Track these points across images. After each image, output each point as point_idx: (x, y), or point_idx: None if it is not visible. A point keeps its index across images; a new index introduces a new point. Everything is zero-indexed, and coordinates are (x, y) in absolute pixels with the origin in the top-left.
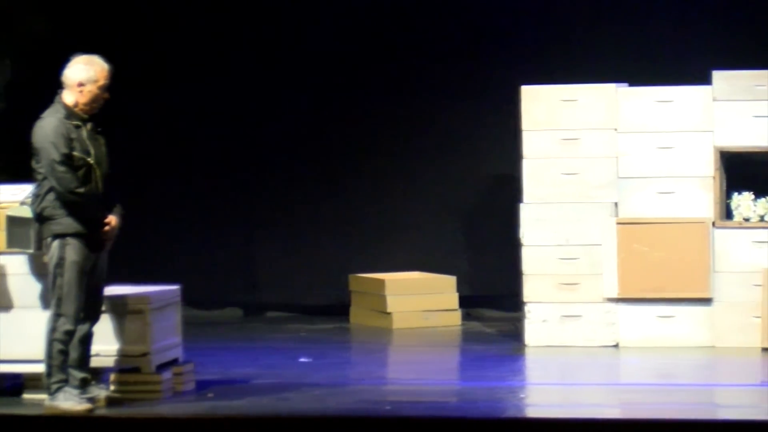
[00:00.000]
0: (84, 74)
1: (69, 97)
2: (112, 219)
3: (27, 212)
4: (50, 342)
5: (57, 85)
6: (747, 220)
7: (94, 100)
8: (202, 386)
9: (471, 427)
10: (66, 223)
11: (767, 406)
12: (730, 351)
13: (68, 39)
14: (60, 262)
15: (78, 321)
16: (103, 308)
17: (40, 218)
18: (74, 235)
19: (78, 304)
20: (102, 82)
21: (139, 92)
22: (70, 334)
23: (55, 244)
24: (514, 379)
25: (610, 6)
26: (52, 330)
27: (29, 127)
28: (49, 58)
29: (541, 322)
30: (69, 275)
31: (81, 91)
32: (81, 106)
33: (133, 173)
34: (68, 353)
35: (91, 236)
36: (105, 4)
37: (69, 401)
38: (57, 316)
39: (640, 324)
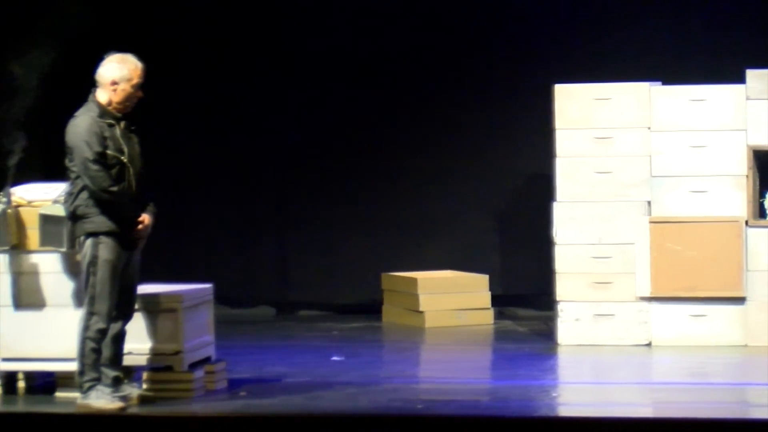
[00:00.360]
0: (118, 73)
1: (102, 95)
2: (146, 217)
3: (60, 211)
4: (83, 340)
5: (91, 83)
6: None
7: (127, 98)
8: (235, 385)
9: (503, 426)
10: (99, 221)
11: None
12: (763, 350)
13: (104, 36)
14: (93, 261)
15: (111, 319)
16: (136, 306)
17: (74, 217)
18: (107, 233)
19: (111, 302)
20: (135, 80)
21: (174, 92)
22: (102, 332)
23: (89, 242)
24: (547, 378)
25: (643, 4)
26: (85, 328)
27: (63, 126)
28: (83, 55)
29: (574, 321)
30: (102, 274)
31: (114, 90)
32: (114, 105)
33: (166, 172)
34: (101, 352)
35: (124, 235)
36: (143, 3)
37: (101, 400)
38: (90, 314)
39: (672, 323)
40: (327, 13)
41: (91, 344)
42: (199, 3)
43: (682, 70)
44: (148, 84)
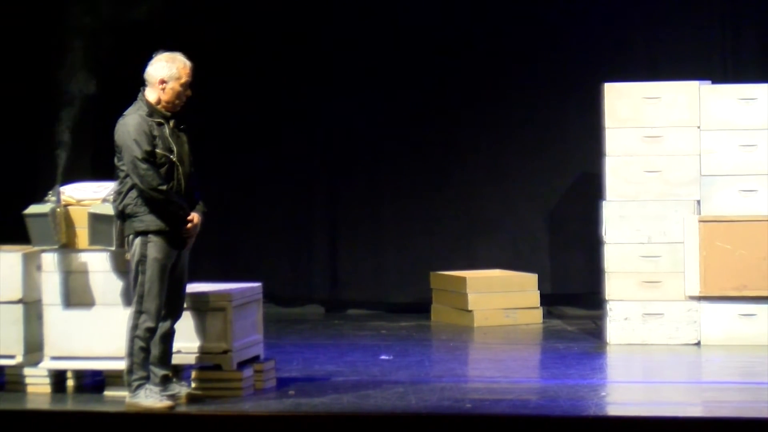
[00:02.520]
0: (166, 71)
1: (151, 94)
2: (195, 216)
3: (109, 209)
4: (132, 339)
5: (140, 81)
6: None
7: (176, 97)
8: (283, 383)
9: (552, 426)
10: (148, 220)
11: None
12: None
13: (154, 34)
14: (142, 260)
15: (159, 318)
16: (185, 305)
17: (123, 216)
18: (156, 232)
19: (159, 301)
20: (184, 79)
21: (226, 92)
22: (151, 331)
23: (137, 241)
24: (596, 377)
25: (693, 4)
26: (134, 327)
27: (111, 124)
28: (132, 57)
29: (623, 320)
30: (151, 272)
31: (163, 89)
32: (163, 104)
33: (217, 172)
34: (149, 350)
35: (173, 233)
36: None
37: (150, 398)
38: (138, 313)
39: (722, 322)
40: (377, 14)
41: (139, 343)
42: (255, 5)
43: (731, 69)
44: (202, 85)
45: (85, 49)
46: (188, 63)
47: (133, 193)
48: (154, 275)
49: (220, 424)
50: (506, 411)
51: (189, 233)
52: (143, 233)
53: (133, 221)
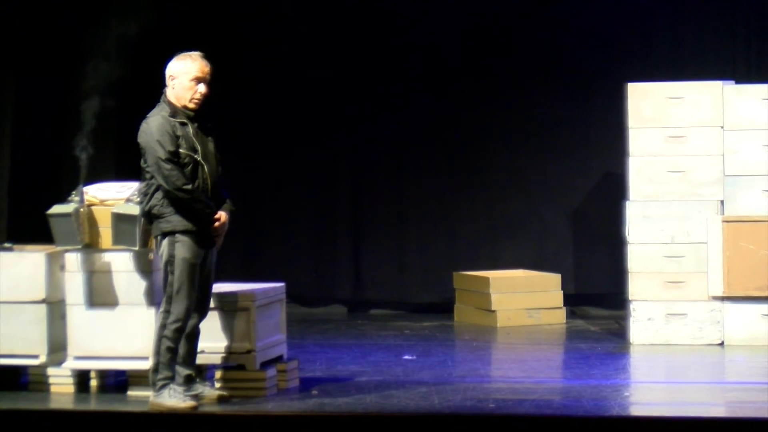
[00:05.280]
0: (175, 67)
1: (170, 93)
2: (222, 215)
3: (133, 210)
4: (159, 338)
5: (162, 83)
6: None
7: (185, 91)
8: (307, 383)
9: (575, 426)
10: (175, 220)
11: None
12: None
13: (177, 39)
14: (170, 260)
15: (188, 318)
16: (211, 305)
17: (150, 216)
18: (183, 232)
19: (189, 301)
20: (194, 74)
21: (251, 93)
22: (179, 331)
23: (165, 241)
24: (619, 378)
25: (717, 4)
26: (162, 327)
27: (135, 125)
28: (155, 56)
29: (647, 320)
30: (179, 272)
31: (173, 85)
32: (177, 100)
33: (241, 172)
34: (177, 350)
35: (201, 233)
36: (220, 6)
37: (174, 398)
38: (167, 313)
39: (745, 322)
40: (399, 18)
41: (167, 343)
42: (279, 6)
43: (755, 69)
44: (227, 90)
45: (109, 50)
46: (201, 61)
47: (159, 194)
48: (183, 275)
49: (244, 424)
50: (529, 411)
51: (217, 232)
52: (170, 233)
53: (160, 222)
